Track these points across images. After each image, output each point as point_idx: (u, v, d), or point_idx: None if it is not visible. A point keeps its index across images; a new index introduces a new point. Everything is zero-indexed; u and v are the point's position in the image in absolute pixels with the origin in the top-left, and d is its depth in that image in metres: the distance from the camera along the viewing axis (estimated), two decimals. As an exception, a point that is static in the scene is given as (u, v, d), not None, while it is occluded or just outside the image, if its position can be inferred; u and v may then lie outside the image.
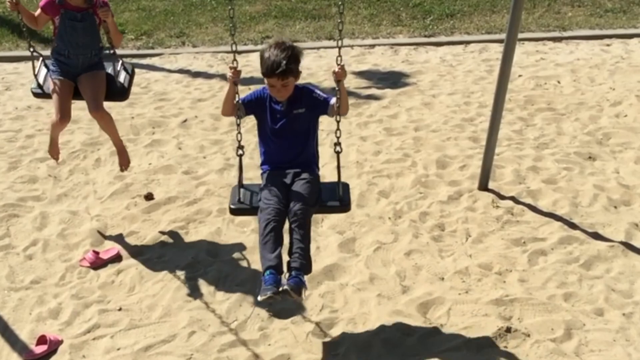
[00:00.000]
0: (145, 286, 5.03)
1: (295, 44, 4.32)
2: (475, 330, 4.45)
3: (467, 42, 9.90)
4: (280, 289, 3.88)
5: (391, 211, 5.82)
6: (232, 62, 4.23)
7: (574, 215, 5.69)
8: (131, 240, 5.56)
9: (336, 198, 4.35)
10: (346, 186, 4.43)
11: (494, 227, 5.57)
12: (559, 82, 8.44)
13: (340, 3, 4.05)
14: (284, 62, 4.11)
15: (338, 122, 4.26)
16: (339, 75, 4.16)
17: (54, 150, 5.78)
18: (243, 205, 4.35)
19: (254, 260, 5.10)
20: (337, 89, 4.19)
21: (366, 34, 10.21)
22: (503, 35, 5.68)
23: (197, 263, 5.24)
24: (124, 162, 5.83)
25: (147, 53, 9.84)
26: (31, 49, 5.34)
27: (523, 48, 9.48)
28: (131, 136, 7.24)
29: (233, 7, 4.27)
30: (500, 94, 5.68)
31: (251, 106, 4.36)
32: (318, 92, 4.38)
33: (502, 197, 5.96)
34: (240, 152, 4.34)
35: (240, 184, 4.40)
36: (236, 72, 4.24)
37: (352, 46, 9.71)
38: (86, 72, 5.36)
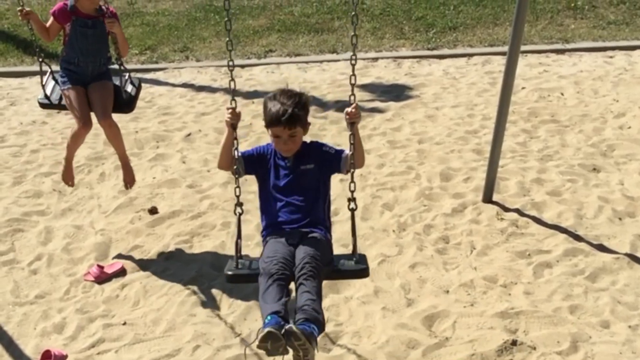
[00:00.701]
0: (149, 300, 5.02)
1: (303, 91, 3.90)
2: (481, 343, 4.43)
3: (470, 55, 9.92)
4: (285, 327, 3.22)
5: (395, 224, 5.81)
6: (230, 102, 3.74)
7: (579, 227, 5.68)
8: (135, 254, 5.56)
9: (352, 259, 3.75)
10: (362, 257, 3.80)
11: (499, 240, 5.56)
12: (562, 94, 8.44)
13: (354, 43, 3.69)
14: (292, 108, 3.68)
15: (352, 173, 3.72)
16: (353, 117, 3.65)
17: (68, 174, 5.74)
18: (242, 270, 3.72)
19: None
20: (350, 133, 3.69)
21: (369, 47, 10.24)
22: (506, 48, 5.68)
23: (201, 277, 5.23)
24: (129, 179, 5.81)
25: (151, 67, 9.89)
26: (40, 59, 5.38)
27: (526, 60, 9.50)
28: (135, 150, 7.26)
29: (231, 40, 3.75)
30: (503, 106, 5.68)
31: (252, 162, 3.85)
32: (329, 145, 3.90)
33: (507, 210, 5.95)
34: (239, 210, 3.75)
35: (239, 252, 3.78)
36: (235, 114, 3.74)
37: (355, 59, 9.72)
38: (95, 82, 5.43)
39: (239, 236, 3.79)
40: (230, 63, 3.72)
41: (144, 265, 5.42)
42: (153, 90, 9.03)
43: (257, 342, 3.24)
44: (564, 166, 6.65)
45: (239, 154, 3.78)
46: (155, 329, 4.73)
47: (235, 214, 3.76)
